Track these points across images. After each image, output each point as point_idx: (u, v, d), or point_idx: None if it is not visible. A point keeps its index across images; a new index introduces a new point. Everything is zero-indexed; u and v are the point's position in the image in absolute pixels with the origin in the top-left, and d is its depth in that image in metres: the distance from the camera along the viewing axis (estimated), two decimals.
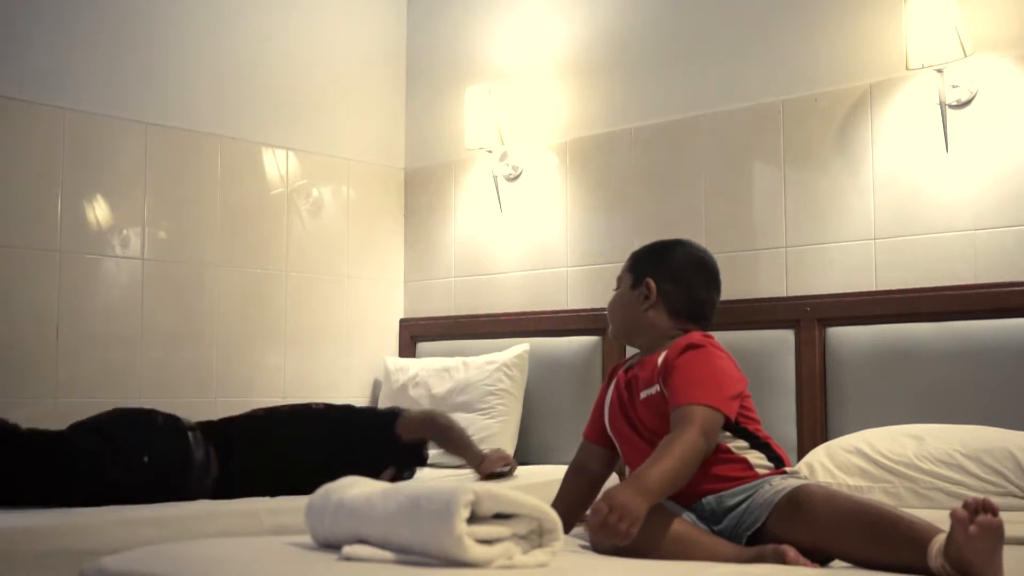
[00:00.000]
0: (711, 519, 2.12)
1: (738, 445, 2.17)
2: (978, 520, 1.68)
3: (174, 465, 2.88)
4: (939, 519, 1.87)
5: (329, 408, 3.36)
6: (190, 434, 2.97)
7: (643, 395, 2.24)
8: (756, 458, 2.17)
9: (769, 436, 2.24)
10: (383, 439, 3.23)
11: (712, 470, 2.12)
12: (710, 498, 2.12)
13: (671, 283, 2.33)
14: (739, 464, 2.15)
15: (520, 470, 3.46)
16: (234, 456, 3.00)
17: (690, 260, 2.38)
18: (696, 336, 2.25)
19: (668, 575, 1.80)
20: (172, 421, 3.00)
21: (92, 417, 2.96)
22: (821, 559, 1.94)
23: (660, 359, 2.23)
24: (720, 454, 2.14)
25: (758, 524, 2.03)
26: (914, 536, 1.80)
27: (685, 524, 2.06)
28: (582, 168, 3.97)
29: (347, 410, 3.37)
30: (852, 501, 1.96)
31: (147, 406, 3.10)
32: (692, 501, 2.13)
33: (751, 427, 2.20)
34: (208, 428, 3.07)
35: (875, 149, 3.24)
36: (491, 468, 3.33)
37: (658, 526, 2.02)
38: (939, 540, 1.76)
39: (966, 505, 1.69)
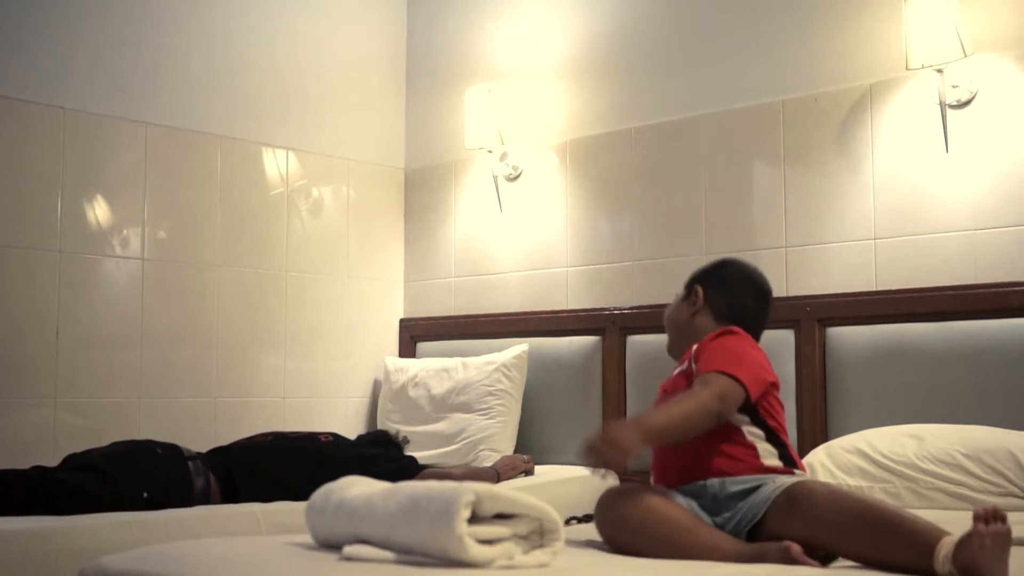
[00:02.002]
0: (711, 507, 2.12)
1: (752, 431, 2.19)
2: (990, 529, 1.69)
3: (174, 496, 2.83)
4: (939, 519, 1.87)
5: (337, 441, 3.29)
6: (190, 463, 2.93)
7: (675, 372, 2.35)
8: (766, 451, 2.18)
9: (789, 444, 2.25)
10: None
11: (721, 446, 2.16)
12: (714, 481, 2.14)
13: (717, 289, 2.45)
14: (748, 449, 2.18)
15: None
16: (237, 486, 2.96)
17: (738, 271, 2.52)
18: (732, 328, 2.34)
19: (669, 575, 1.80)
20: (171, 451, 2.96)
21: (89, 452, 2.92)
22: (822, 557, 1.94)
23: (695, 346, 2.32)
24: (732, 434, 2.18)
25: (756, 519, 2.04)
26: (919, 537, 1.80)
27: (688, 515, 2.07)
28: (582, 168, 3.96)
29: (358, 452, 3.25)
30: (854, 499, 1.96)
31: (145, 438, 3.07)
32: (698, 476, 2.16)
33: (771, 422, 2.22)
34: (209, 456, 3.04)
35: (875, 149, 3.24)
36: (510, 478, 3.38)
37: (660, 509, 2.05)
38: (946, 544, 1.75)
39: (978, 516, 1.71)
